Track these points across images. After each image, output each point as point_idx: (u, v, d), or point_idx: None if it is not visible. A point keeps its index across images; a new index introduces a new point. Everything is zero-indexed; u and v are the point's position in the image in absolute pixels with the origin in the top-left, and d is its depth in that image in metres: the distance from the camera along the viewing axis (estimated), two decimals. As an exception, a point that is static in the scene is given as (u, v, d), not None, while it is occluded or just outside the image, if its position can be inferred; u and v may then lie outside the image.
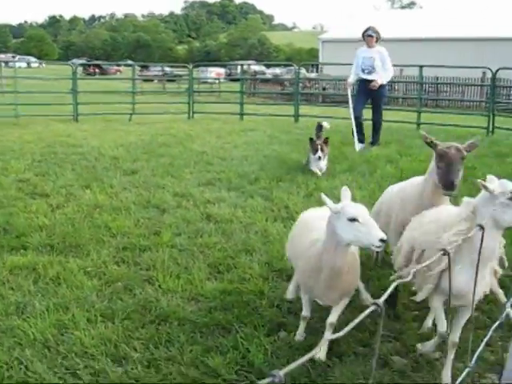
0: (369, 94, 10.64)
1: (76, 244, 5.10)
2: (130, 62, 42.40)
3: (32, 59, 66.72)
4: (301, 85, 21.66)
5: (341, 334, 1.22)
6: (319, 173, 8.02)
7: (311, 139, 8.31)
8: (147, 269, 4.66)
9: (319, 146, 8.04)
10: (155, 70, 40.21)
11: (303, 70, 26.73)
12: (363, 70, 10.53)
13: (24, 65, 57.17)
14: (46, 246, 5.06)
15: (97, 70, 51.67)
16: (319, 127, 8.99)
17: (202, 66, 36.84)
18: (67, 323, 3.73)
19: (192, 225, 5.73)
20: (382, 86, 10.52)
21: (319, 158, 8.01)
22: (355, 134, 10.47)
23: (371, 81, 10.38)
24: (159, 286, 4.33)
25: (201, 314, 3.92)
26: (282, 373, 0.98)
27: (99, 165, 8.42)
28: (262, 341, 3.55)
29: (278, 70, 41.57)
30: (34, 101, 16.13)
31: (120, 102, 16.64)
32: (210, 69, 40.78)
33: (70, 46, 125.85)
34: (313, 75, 33.48)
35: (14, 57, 71.95)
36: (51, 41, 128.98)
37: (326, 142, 8.23)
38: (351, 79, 10.92)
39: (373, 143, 10.78)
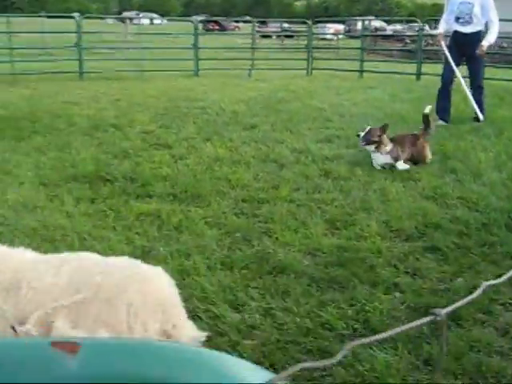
0: (464, 51, 8.47)
1: (197, 194, 5.26)
2: (248, 18, 42.49)
3: (154, 16, 68.56)
4: (423, 42, 20.79)
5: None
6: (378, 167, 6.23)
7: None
8: (265, 221, 4.72)
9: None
10: (273, 26, 40.03)
11: (426, 27, 25.62)
12: (457, 19, 8.41)
13: (147, 21, 58.87)
14: (169, 195, 5.26)
15: (216, 27, 52.23)
16: (426, 120, 6.61)
17: (321, 22, 36.25)
18: (189, 269, 3.86)
19: (310, 180, 5.73)
20: (479, 40, 8.29)
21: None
22: (473, 102, 8.48)
23: (467, 34, 8.32)
24: (277, 238, 4.38)
25: (317, 268, 3.92)
26: (443, 312, 0.97)
27: (219, 119, 8.60)
28: (379, 298, 3.51)
29: (398, 27, 40.06)
30: (156, 56, 16.65)
31: (239, 58, 16.78)
32: (329, 25, 39.98)
33: (190, 3, 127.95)
34: (436, 32, 31.97)
35: (137, 14, 74.21)
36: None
37: (383, 130, 6.19)
38: (441, 29, 8.87)
39: (477, 118, 8.50)
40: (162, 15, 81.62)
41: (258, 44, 17.24)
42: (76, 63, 15.07)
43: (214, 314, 3.40)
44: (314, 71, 16.06)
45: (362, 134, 6.15)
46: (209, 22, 49.72)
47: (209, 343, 3.12)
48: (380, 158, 6.14)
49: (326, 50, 25.20)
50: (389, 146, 6.10)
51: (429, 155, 6.32)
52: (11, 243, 4.13)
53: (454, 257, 4.04)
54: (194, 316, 3.39)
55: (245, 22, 44.12)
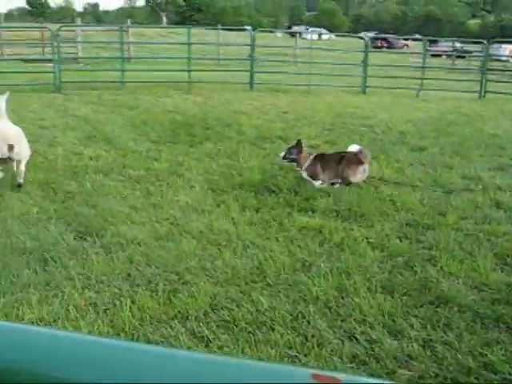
0: None
1: (361, 213, 5.20)
2: (418, 36, 41.54)
3: (323, 31, 69.34)
4: None
5: None
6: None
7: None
8: (429, 248, 4.55)
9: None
10: (444, 45, 38.74)
11: None
12: None
13: (315, 36, 59.67)
14: (332, 211, 5.25)
15: (384, 44, 51.66)
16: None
17: (497, 42, 34.54)
18: (348, 288, 3.82)
19: (479, 210, 5.44)
20: None
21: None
22: None
23: None
24: (441, 267, 4.20)
25: (483, 304, 3.70)
26: None
27: (386, 138, 8.47)
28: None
29: None
30: (324, 71, 16.81)
31: (408, 77, 16.45)
32: (504, 45, 37.99)
33: (359, 20, 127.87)
34: None
35: (306, 28, 75.54)
36: (342, 14, 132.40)
37: (300, 147, 6.16)
38: None
39: None
40: (331, 30, 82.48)
41: (427, 63, 16.76)
42: (246, 74, 15.63)
43: (371, 337, 3.33)
44: (487, 94, 15.31)
45: (283, 153, 6.21)
46: (377, 38, 49.37)
47: (364, 368, 3.08)
48: (303, 175, 6.11)
49: (501, 73, 23.97)
50: (306, 164, 6.04)
51: (356, 176, 6.04)
52: (179, 243, 4.41)
53: None
54: (350, 337, 3.36)
55: (414, 39, 43.23)
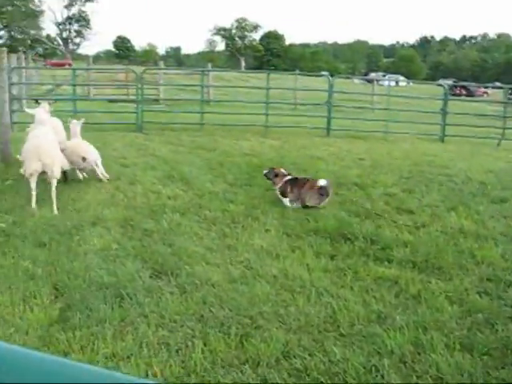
0: None
1: (438, 265, 5.05)
2: (498, 84, 40.70)
3: (400, 78, 69.08)
4: None
5: None
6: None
7: None
8: (512, 306, 4.36)
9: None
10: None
11: None
12: None
13: (393, 83, 59.47)
14: (409, 262, 5.13)
15: (463, 92, 50.90)
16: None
17: None
18: (424, 343, 3.70)
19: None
20: None
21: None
22: None
23: None
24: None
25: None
26: None
27: (466, 188, 8.24)
28: None
29: None
30: (402, 118, 16.68)
31: (488, 126, 16.09)
32: None
33: (438, 67, 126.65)
34: None
35: (384, 75, 75.60)
36: (420, 61, 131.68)
37: (275, 172, 7.51)
38: None
39: None
40: (408, 77, 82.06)
41: (509, 112, 16.34)
42: (323, 120, 15.70)
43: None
44: None
45: (265, 171, 7.60)
46: (456, 86, 48.69)
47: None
48: (276, 192, 7.28)
49: None
50: (278, 185, 7.25)
51: (311, 201, 6.96)
52: (253, 287, 4.41)
53: None
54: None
55: (495, 87, 42.37)
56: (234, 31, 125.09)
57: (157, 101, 22.05)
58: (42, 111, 7.95)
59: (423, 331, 3.86)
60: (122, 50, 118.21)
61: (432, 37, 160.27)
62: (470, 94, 51.81)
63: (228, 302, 4.16)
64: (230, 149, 11.26)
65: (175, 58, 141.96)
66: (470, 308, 4.26)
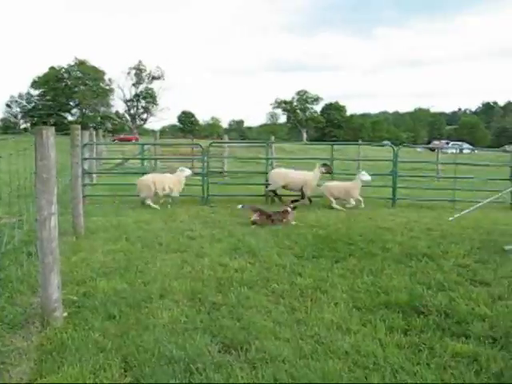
0: None
1: (520, 342, 4.79)
2: None
3: (465, 145, 68.32)
4: None
5: None
6: None
7: None
8: None
9: None
10: None
11: None
12: None
13: (457, 151, 58.77)
14: (487, 337, 4.87)
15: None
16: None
17: None
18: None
19: None
20: None
21: None
22: None
23: None
24: None
25: None
26: None
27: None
28: None
29: None
30: (468, 187, 16.35)
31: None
32: None
33: (502, 132, 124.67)
34: None
35: (447, 143, 74.95)
36: (484, 127, 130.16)
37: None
38: None
39: None
40: (472, 144, 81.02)
41: None
42: (388, 189, 15.57)
43: None
44: None
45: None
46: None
47: None
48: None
49: None
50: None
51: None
52: (325, 363, 4.27)
53: None
54: None
55: None
56: (294, 103, 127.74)
57: (221, 173, 22.45)
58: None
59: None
60: (187, 124, 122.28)
61: (495, 102, 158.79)
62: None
63: (299, 379, 4.05)
64: (296, 220, 11.24)
65: (238, 130, 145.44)
66: (559, 388, 3.98)
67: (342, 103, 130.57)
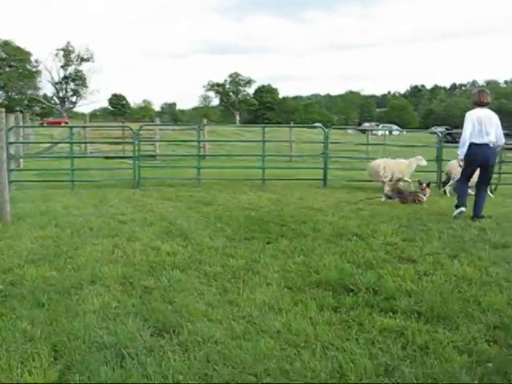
0: None
1: (444, 315, 4.96)
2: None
3: (394, 127, 70.02)
4: None
5: None
6: None
7: None
8: (522, 354, 4.26)
9: None
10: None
11: None
12: None
13: (386, 133, 60.16)
14: (414, 312, 5.04)
15: (456, 139, 51.55)
16: None
17: None
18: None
19: None
20: None
21: None
22: None
23: None
24: (536, 375, 3.90)
25: None
26: None
27: (466, 235, 8.21)
28: None
29: None
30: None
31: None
32: None
33: (429, 115, 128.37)
34: None
35: (377, 125, 76.61)
36: (412, 110, 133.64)
37: None
38: None
39: None
40: (401, 126, 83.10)
41: (504, 157, 16.44)
42: (319, 171, 15.79)
43: None
44: None
45: None
46: (449, 133, 49.17)
47: None
48: None
49: None
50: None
51: None
52: (257, 343, 4.31)
53: None
54: None
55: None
56: (227, 86, 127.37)
57: (153, 157, 22.20)
58: None
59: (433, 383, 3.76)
60: (118, 108, 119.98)
61: (423, 85, 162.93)
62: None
63: (232, 360, 4.07)
64: (228, 203, 11.27)
65: (170, 113, 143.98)
66: (480, 357, 4.15)
67: (274, 86, 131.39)
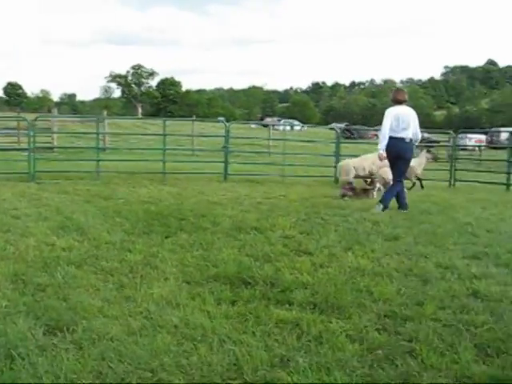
0: None
1: (338, 305, 5.12)
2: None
3: (295, 122, 71.44)
4: None
5: None
6: None
7: None
8: (409, 340, 4.45)
9: None
10: (413, 135, 40.16)
11: None
12: None
13: (288, 128, 61.32)
14: (309, 303, 5.16)
15: (355, 135, 53.61)
16: None
17: (462, 132, 36.05)
18: (328, 384, 3.71)
19: (457, 299, 5.39)
20: None
21: None
22: None
23: None
24: (422, 360, 4.09)
25: (468, 399, 3.61)
26: None
27: (360, 228, 8.52)
28: None
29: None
30: (297, 162, 17.12)
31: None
32: (470, 135, 39.80)
33: (330, 111, 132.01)
34: None
35: (279, 120, 77.85)
36: (313, 106, 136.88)
37: None
38: None
39: None
40: (303, 121, 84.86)
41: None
42: (220, 165, 15.84)
43: None
44: (456, 183, 15.71)
45: None
46: (348, 129, 50.85)
47: None
48: None
49: (469, 161, 24.72)
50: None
51: None
52: (153, 338, 4.27)
53: None
54: None
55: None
56: (129, 78, 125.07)
57: (51, 149, 21.43)
58: None
59: (326, 372, 3.86)
60: (13, 97, 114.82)
61: (323, 82, 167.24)
62: (361, 136, 54.67)
63: (128, 356, 4.00)
64: (127, 197, 11.08)
65: (70, 104, 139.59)
66: (370, 345, 4.31)
67: (177, 79, 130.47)
